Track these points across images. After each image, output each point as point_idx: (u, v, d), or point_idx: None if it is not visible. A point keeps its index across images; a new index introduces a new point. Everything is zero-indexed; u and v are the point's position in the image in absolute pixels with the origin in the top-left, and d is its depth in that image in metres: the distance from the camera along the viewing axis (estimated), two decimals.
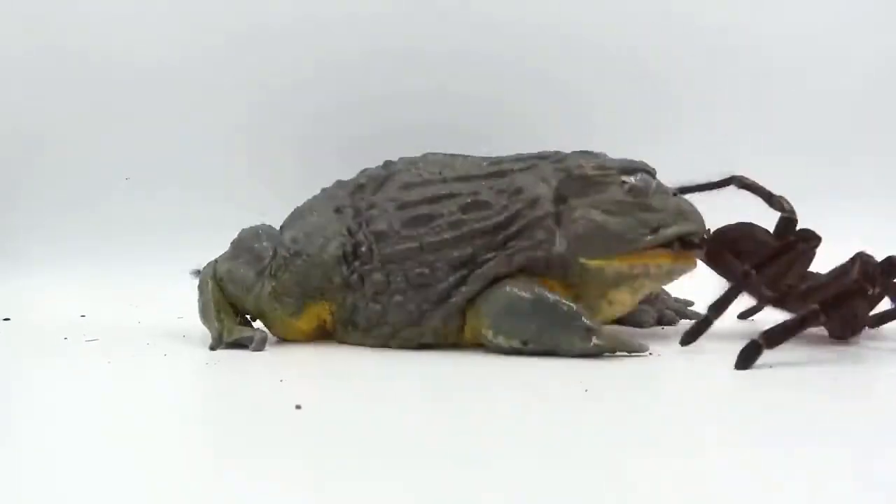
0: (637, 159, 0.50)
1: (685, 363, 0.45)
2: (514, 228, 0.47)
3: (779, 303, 0.52)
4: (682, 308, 0.59)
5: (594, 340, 0.45)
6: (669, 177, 0.52)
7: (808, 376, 0.41)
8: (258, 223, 0.56)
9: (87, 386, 0.42)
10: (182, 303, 0.61)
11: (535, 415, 0.34)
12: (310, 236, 0.51)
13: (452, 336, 0.49)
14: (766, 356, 0.42)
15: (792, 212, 0.52)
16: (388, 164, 0.53)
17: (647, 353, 0.46)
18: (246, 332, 0.52)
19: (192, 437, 0.32)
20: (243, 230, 0.56)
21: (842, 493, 0.23)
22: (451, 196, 0.49)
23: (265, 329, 0.54)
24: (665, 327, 0.58)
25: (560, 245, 0.47)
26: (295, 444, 0.30)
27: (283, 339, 0.54)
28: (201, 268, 0.56)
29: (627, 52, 0.86)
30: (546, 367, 0.44)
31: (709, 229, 0.51)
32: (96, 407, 0.37)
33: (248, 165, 0.88)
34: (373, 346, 0.51)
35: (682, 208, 0.49)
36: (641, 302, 0.54)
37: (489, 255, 0.47)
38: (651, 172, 0.50)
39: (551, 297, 0.46)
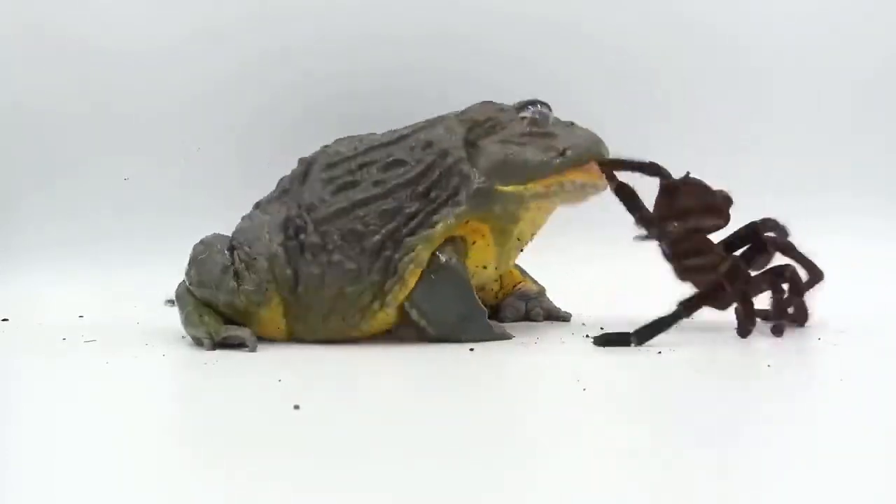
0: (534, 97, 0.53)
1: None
2: (433, 177, 0.52)
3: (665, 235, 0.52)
4: (554, 310, 0.61)
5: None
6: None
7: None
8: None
9: (86, 386, 0.42)
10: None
11: (533, 413, 0.34)
12: (252, 229, 0.54)
13: (394, 299, 0.51)
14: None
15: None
16: (301, 160, 0.57)
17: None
18: (233, 331, 0.52)
19: (191, 437, 0.32)
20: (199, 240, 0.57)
21: None
22: (370, 163, 0.53)
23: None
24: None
25: (478, 180, 0.51)
26: (293, 444, 0.30)
27: (266, 339, 0.54)
28: (173, 296, 0.57)
29: (620, 44, 0.85)
30: (541, 364, 0.44)
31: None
32: (95, 407, 0.37)
33: (248, 167, 0.88)
34: (326, 334, 0.52)
35: (583, 133, 0.52)
36: (518, 297, 0.60)
37: (414, 206, 0.51)
38: (547, 105, 0.53)
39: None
